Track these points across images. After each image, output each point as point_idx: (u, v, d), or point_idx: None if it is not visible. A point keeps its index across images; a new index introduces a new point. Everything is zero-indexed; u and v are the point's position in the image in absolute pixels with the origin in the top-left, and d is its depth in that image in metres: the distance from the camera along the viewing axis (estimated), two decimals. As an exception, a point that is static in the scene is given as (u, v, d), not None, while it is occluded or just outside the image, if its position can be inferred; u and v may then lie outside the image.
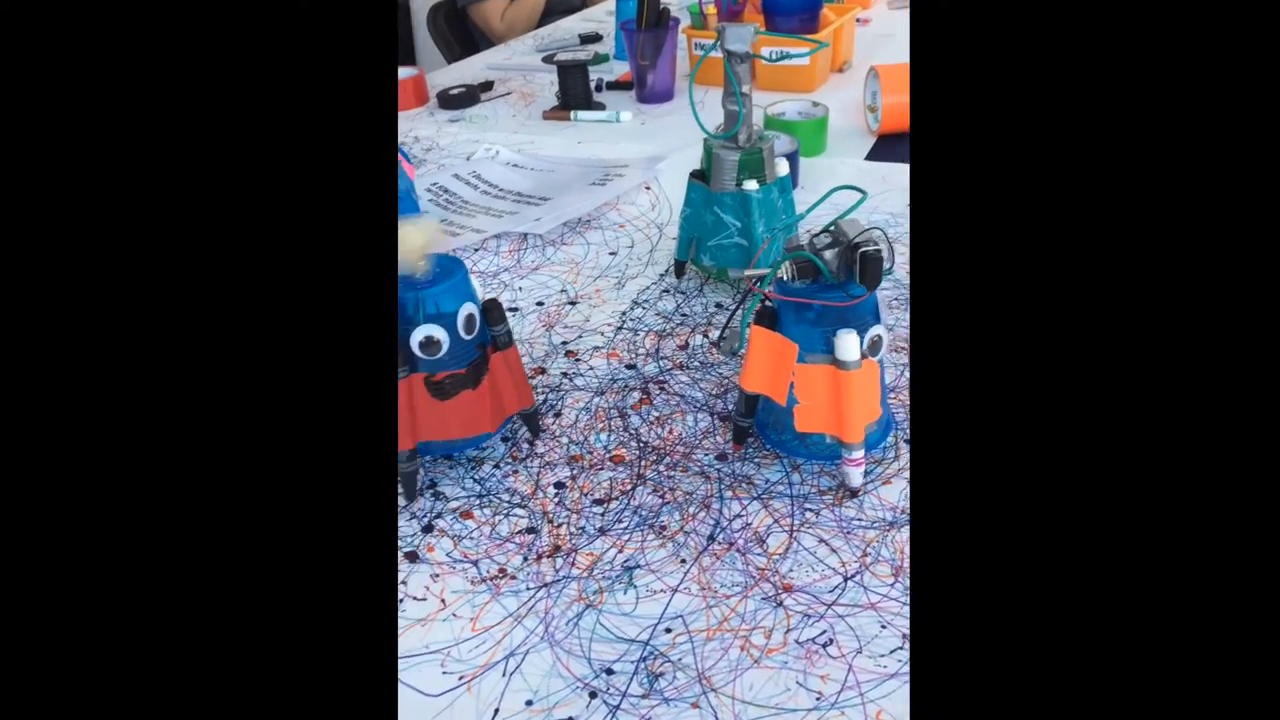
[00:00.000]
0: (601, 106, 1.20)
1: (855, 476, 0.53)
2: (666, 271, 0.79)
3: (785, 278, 0.50)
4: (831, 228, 0.52)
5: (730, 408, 0.61)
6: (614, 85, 1.29)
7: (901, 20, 1.55)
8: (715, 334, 0.69)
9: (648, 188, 0.94)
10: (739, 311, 0.68)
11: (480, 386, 0.54)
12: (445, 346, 0.52)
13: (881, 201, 0.88)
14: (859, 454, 0.53)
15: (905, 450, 0.56)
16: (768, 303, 0.52)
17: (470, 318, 0.53)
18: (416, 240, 0.51)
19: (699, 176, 0.72)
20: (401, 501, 0.55)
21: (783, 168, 0.73)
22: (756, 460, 0.57)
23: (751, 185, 0.70)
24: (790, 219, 0.73)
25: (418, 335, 0.51)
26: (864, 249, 0.50)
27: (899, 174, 0.93)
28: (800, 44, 1.15)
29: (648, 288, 0.77)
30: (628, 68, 1.31)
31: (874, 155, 0.99)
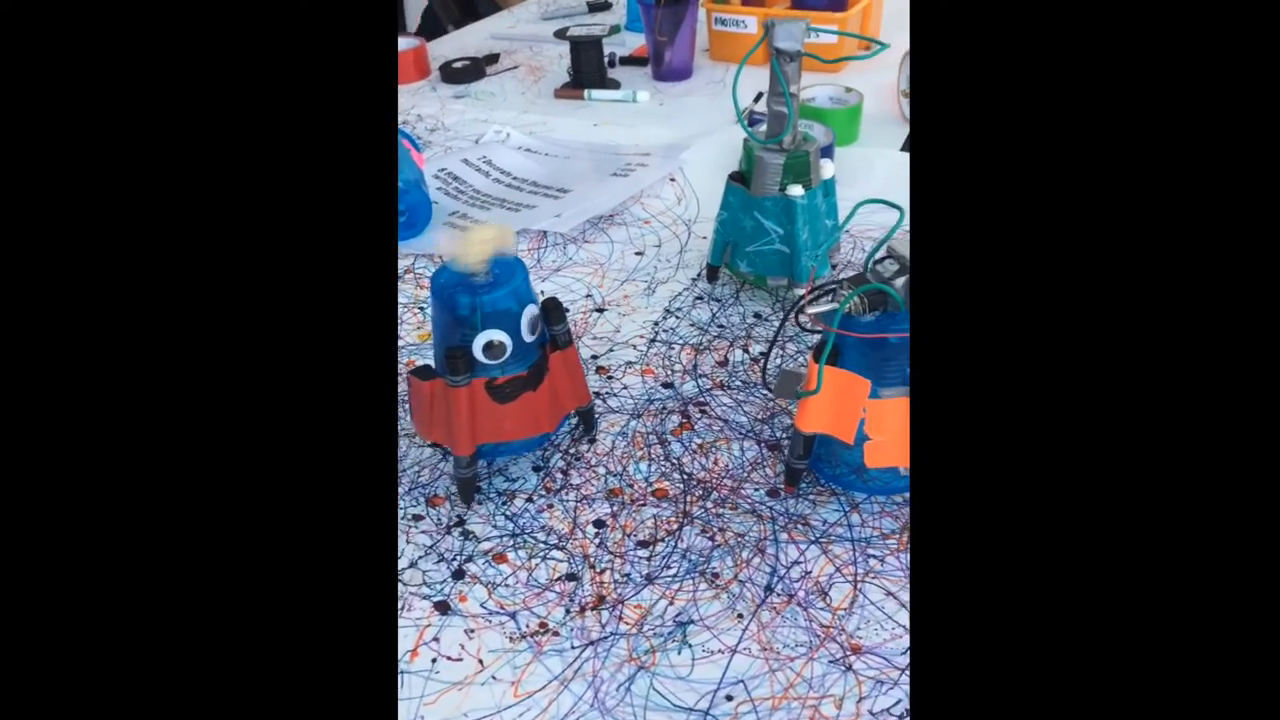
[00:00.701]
0: (616, 85, 1.14)
1: None
2: (698, 275, 0.74)
3: (855, 312, 0.46)
4: (884, 253, 0.48)
5: (779, 435, 0.57)
6: (628, 60, 1.23)
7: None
8: (756, 350, 0.65)
9: (672, 179, 0.88)
10: (776, 345, 0.64)
11: (540, 388, 0.52)
12: (509, 350, 0.50)
13: (921, 199, 0.83)
14: None
15: (969, 488, 0.53)
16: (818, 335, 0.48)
17: (534, 319, 0.51)
18: (485, 243, 0.49)
19: (738, 179, 0.67)
20: (460, 507, 0.53)
21: (828, 170, 0.68)
22: (811, 497, 0.53)
23: (796, 190, 0.65)
24: (829, 239, 0.69)
25: (481, 340, 0.50)
26: None
27: (937, 168, 0.88)
28: (826, 18, 1.09)
29: (680, 293, 0.72)
30: (642, 40, 1.25)
31: (910, 147, 0.94)
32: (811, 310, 0.46)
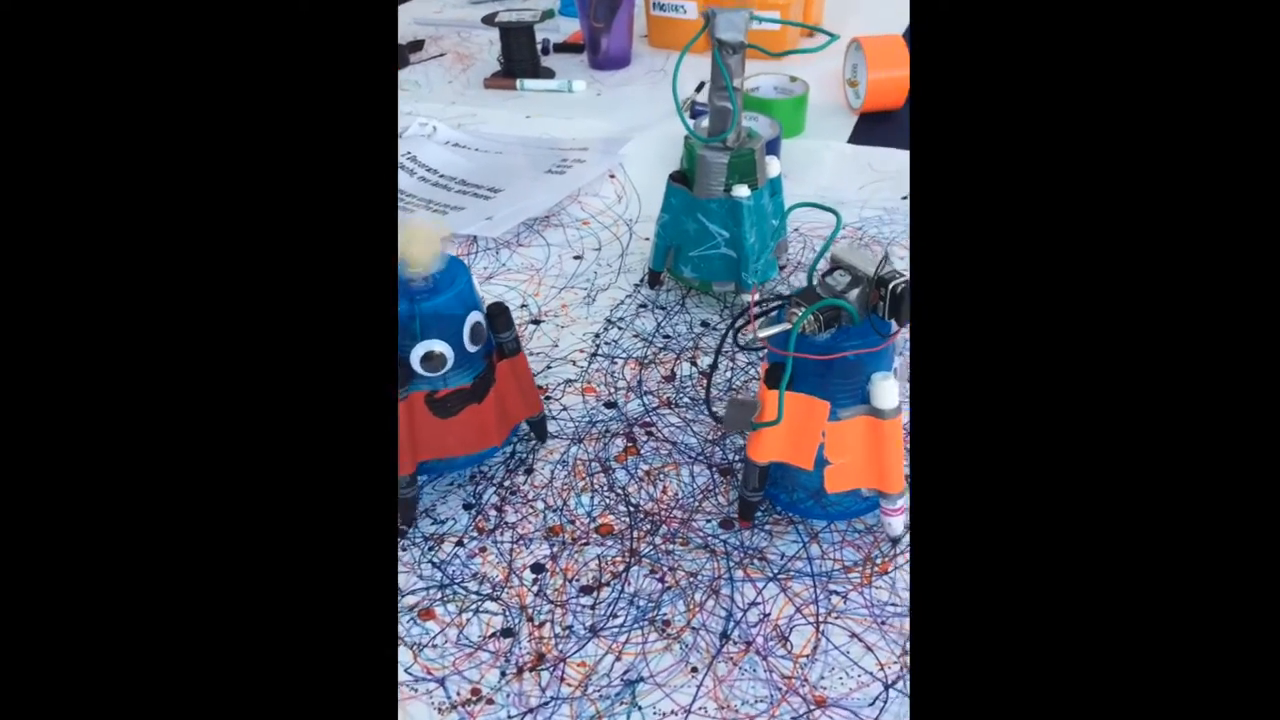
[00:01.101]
0: (551, 74, 1.08)
1: (898, 525, 0.47)
2: (641, 280, 0.70)
3: (809, 331, 0.42)
4: (828, 263, 0.44)
5: (732, 458, 0.53)
6: (562, 47, 1.17)
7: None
8: (704, 362, 0.61)
9: (612, 176, 0.83)
10: (715, 370, 0.59)
11: (486, 400, 0.49)
12: (450, 361, 0.46)
13: (872, 194, 0.80)
14: (902, 502, 0.46)
15: (934, 511, 0.49)
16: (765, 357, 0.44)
17: (477, 327, 0.47)
18: (433, 240, 0.45)
19: (680, 179, 0.63)
20: (401, 527, 0.49)
21: (774, 168, 0.64)
22: (767, 527, 0.49)
23: (742, 191, 0.61)
24: (776, 239, 0.65)
25: (419, 351, 0.45)
26: (894, 283, 0.42)
27: (886, 160, 0.85)
28: (769, 2, 1.04)
29: (621, 301, 0.68)
30: (577, 26, 1.19)
31: (857, 137, 0.91)
32: (763, 334, 0.41)
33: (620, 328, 0.65)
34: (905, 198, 0.79)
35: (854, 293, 0.43)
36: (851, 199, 0.80)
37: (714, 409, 0.54)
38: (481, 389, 0.48)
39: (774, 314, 0.45)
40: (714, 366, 0.47)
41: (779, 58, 0.75)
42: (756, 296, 0.46)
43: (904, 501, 0.47)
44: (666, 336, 0.64)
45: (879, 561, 0.47)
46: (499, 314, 0.49)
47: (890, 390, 0.43)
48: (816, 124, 0.93)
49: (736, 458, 0.53)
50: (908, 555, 0.47)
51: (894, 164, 0.84)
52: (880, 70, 0.91)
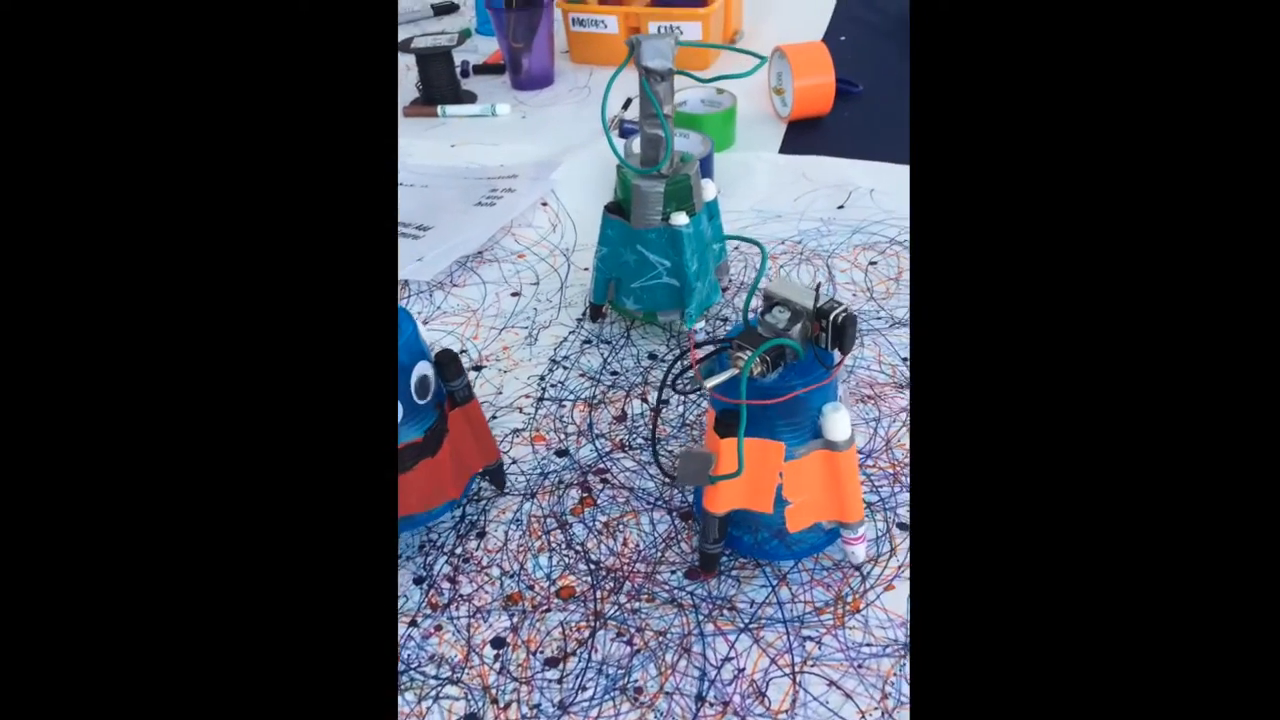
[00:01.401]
0: (473, 97, 1.05)
1: (860, 553, 0.46)
2: (584, 315, 0.67)
3: (758, 374, 0.40)
4: (761, 300, 0.42)
5: (690, 499, 0.51)
6: (483, 69, 1.14)
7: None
8: (654, 398, 0.59)
9: (544, 204, 0.81)
10: (658, 419, 0.57)
11: (440, 452, 0.47)
12: (399, 415, 0.44)
13: (808, 205, 0.79)
14: (863, 530, 0.46)
15: (902, 541, 0.48)
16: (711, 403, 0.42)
17: (424, 380, 0.45)
18: None
19: (615, 210, 0.61)
20: None
21: (709, 191, 0.62)
22: (734, 573, 0.47)
23: (681, 219, 0.59)
24: (716, 262, 0.64)
25: None
26: (834, 313, 0.41)
27: (819, 169, 0.84)
28: (689, 14, 1.03)
29: (565, 338, 0.65)
30: (496, 45, 1.16)
31: (788, 145, 0.90)
32: (711, 384, 0.39)
33: (565, 367, 0.62)
34: (841, 207, 0.79)
35: (795, 328, 0.41)
36: (788, 211, 0.79)
37: (665, 466, 0.52)
38: (434, 442, 0.47)
39: (715, 358, 0.43)
40: (654, 430, 0.44)
41: (707, 84, 0.73)
42: (697, 339, 0.44)
43: (864, 529, 0.46)
44: (614, 373, 0.62)
45: (850, 599, 0.46)
46: (448, 362, 0.47)
47: (843, 421, 0.42)
48: (746, 135, 0.92)
49: (701, 536, 0.51)
50: (879, 590, 0.46)
51: (828, 172, 0.84)
52: (806, 78, 0.90)
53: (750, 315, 0.42)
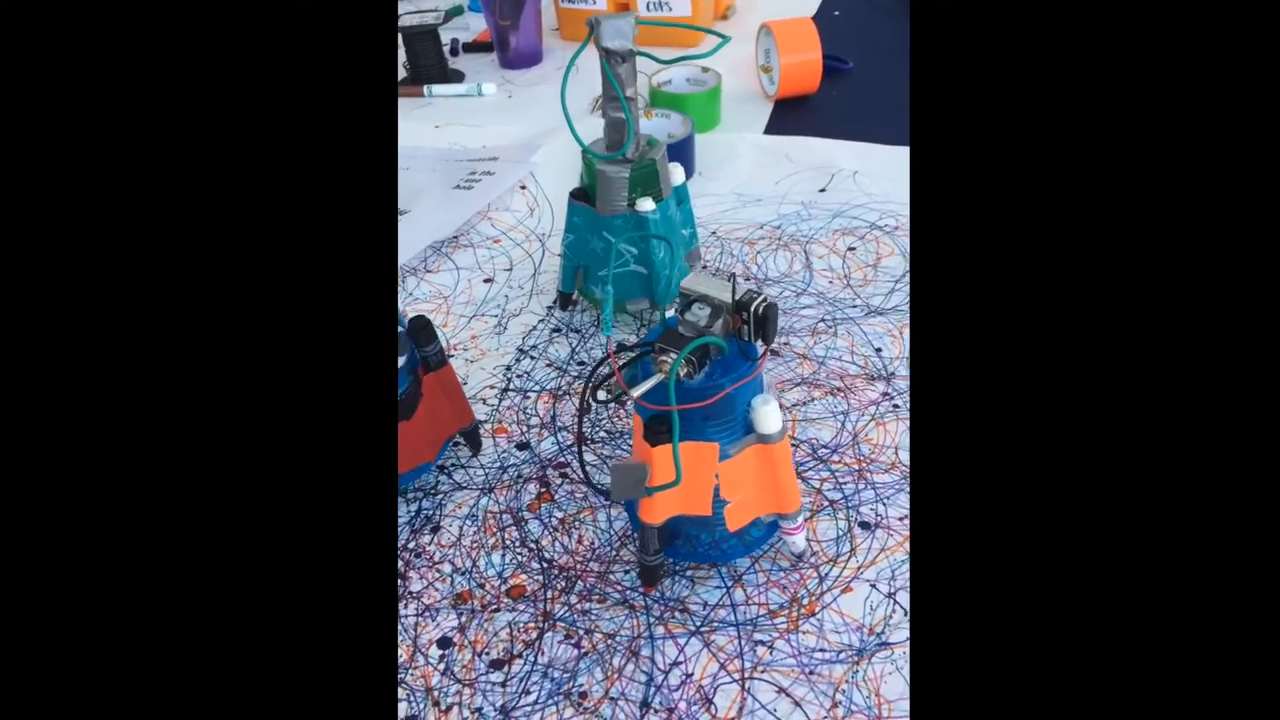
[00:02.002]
0: (460, 76, 1.03)
1: (800, 542, 0.46)
2: (555, 303, 0.66)
3: (685, 376, 0.39)
4: (679, 302, 0.41)
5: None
6: (472, 47, 1.12)
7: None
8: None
9: (523, 187, 0.79)
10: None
11: (415, 416, 0.48)
12: None
13: (790, 188, 0.77)
14: (801, 518, 0.45)
15: (862, 539, 0.47)
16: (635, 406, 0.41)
17: (398, 344, 0.46)
18: None
19: (581, 196, 0.59)
20: None
21: (678, 175, 0.61)
22: (689, 573, 0.46)
23: (647, 205, 0.57)
24: (687, 248, 0.62)
25: None
26: (755, 304, 0.39)
27: (803, 150, 0.82)
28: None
29: (534, 327, 0.64)
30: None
31: (774, 125, 0.88)
32: (637, 393, 0.38)
33: (533, 357, 0.61)
34: (823, 190, 0.76)
35: (717, 325, 0.40)
36: (769, 194, 0.77)
37: (596, 481, 0.51)
38: (409, 406, 0.48)
39: (638, 363, 0.41)
40: (580, 443, 0.42)
41: (668, 65, 0.71)
42: (614, 347, 0.42)
43: (803, 518, 0.45)
44: (582, 363, 0.60)
45: (805, 602, 0.44)
46: (422, 328, 0.48)
47: (773, 413, 0.41)
48: (733, 114, 0.90)
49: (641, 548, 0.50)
50: (836, 592, 0.45)
51: (811, 154, 0.81)
52: (792, 55, 0.88)
53: (669, 314, 0.41)
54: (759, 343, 0.40)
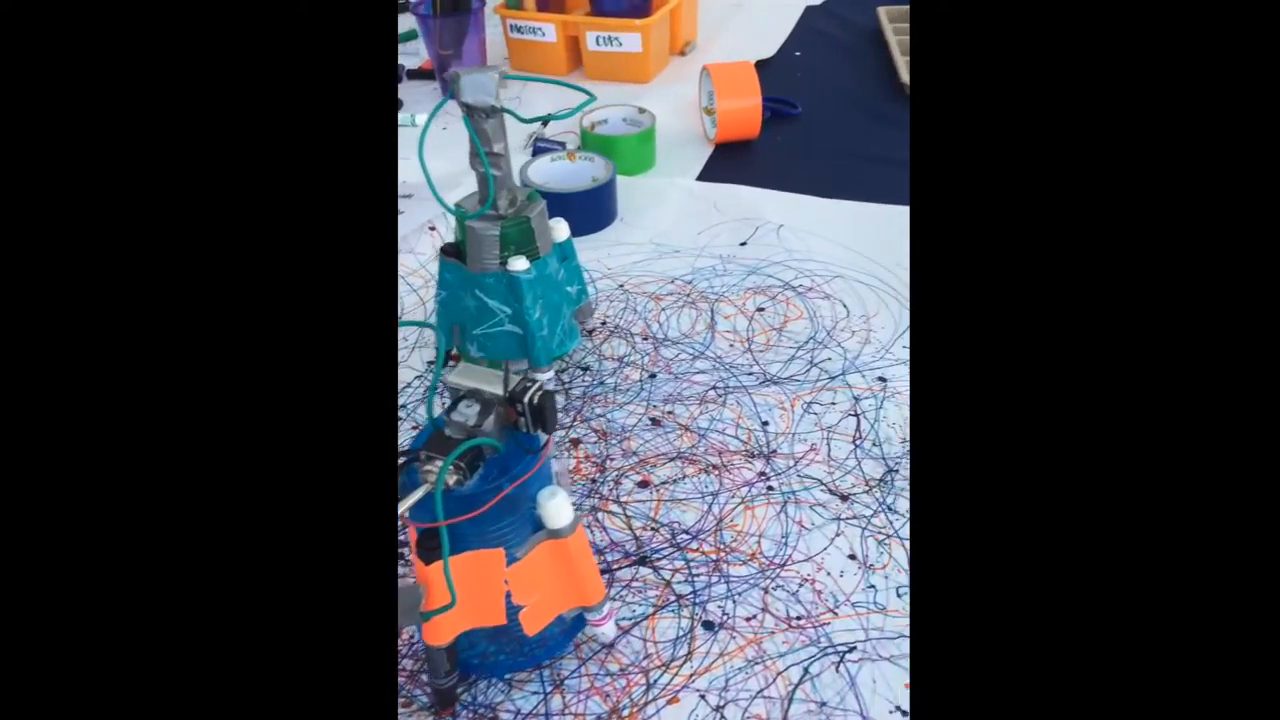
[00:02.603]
0: (398, 105, 1.01)
1: (610, 631, 0.43)
2: (431, 360, 0.63)
3: (454, 483, 0.35)
4: (441, 401, 0.38)
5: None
6: (417, 74, 1.09)
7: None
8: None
9: (432, 228, 0.77)
10: None
11: None
12: None
13: (710, 239, 0.74)
14: (608, 607, 0.42)
15: (702, 640, 0.43)
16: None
17: None
18: None
19: (452, 253, 0.56)
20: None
21: (560, 231, 0.57)
22: (506, 680, 0.43)
23: (520, 264, 0.54)
24: (575, 305, 0.59)
25: None
26: (529, 394, 0.36)
27: (732, 199, 0.79)
28: (628, 24, 0.98)
29: (410, 383, 0.61)
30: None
31: (709, 171, 0.85)
32: (403, 508, 0.35)
33: (400, 419, 0.58)
34: (744, 244, 0.73)
35: (488, 422, 0.36)
36: (688, 246, 0.73)
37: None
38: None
39: (405, 471, 0.37)
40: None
41: (529, 123, 0.69)
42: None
43: (610, 606, 0.42)
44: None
45: (626, 712, 0.41)
46: None
47: (563, 506, 0.38)
48: (670, 157, 0.87)
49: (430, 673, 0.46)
50: (661, 703, 0.41)
51: (739, 203, 0.78)
52: (730, 100, 0.84)
53: (435, 413, 0.38)
54: (539, 433, 0.36)
